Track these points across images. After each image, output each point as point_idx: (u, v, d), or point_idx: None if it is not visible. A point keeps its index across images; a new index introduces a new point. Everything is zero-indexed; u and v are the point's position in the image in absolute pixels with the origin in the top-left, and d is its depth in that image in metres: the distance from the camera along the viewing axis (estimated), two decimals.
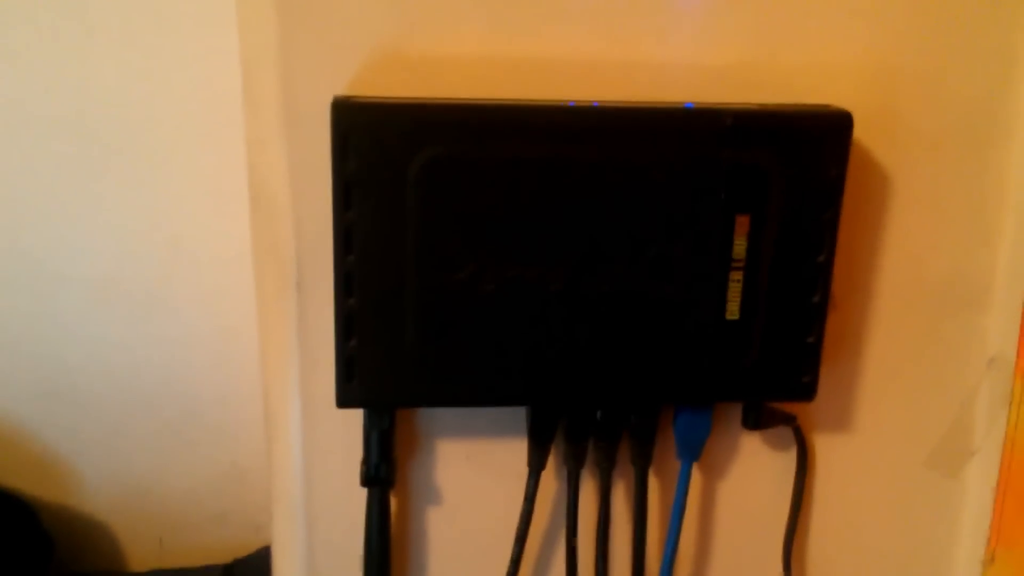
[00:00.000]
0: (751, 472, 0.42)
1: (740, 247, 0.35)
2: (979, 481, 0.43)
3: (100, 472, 0.86)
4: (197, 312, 0.81)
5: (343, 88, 0.35)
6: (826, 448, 0.42)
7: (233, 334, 0.81)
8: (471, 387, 0.37)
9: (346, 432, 0.39)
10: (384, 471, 0.39)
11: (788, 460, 0.42)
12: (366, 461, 0.39)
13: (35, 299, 0.81)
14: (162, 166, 0.78)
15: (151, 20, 0.74)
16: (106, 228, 0.79)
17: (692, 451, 0.40)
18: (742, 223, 0.35)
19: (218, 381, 0.83)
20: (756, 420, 0.40)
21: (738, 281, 0.36)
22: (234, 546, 0.87)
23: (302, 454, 0.40)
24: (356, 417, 0.39)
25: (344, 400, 0.36)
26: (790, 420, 0.41)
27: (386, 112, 0.34)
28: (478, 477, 0.41)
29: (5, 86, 0.76)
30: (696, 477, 0.42)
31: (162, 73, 0.75)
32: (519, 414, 0.40)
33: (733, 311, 0.36)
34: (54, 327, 0.82)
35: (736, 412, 0.41)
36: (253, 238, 0.37)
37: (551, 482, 0.41)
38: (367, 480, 0.39)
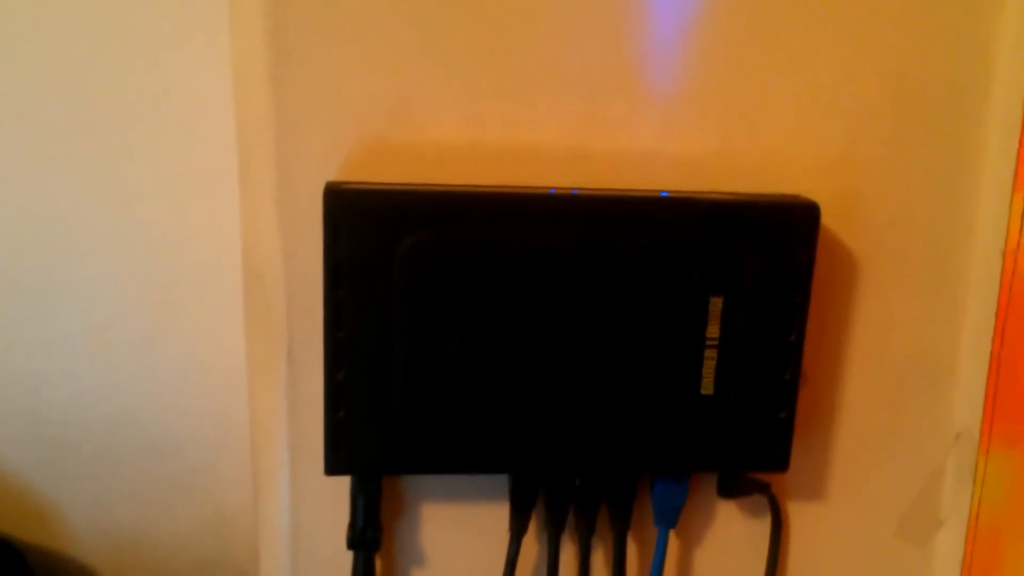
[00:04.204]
0: (727, 539, 0.43)
1: (714, 327, 0.37)
2: (946, 552, 0.44)
3: (87, 518, 0.87)
4: (185, 364, 0.82)
5: (335, 172, 0.37)
6: (799, 516, 0.44)
7: (220, 387, 0.82)
8: (455, 455, 0.38)
9: (334, 496, 0.40)
10: (370, 535, 0.40)
11: (763, 527, 0.43)
12: (352, 525, 0.40)
13: (26, 347, 0.82)
14: (157, 218, 0.79)
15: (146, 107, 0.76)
16: (98, 279, 0.80)
17: (669, 518, 0.41)
18: (715, 304, 0.37)
19: (204, 432, 0.84)
20: (731, 489, 0.41)
21: (712, 359, 0.37)
22: None
23: (290, 517, 0.41)
24: (343, 482, 0.40)
25: (332, 467, 0.37)
26: (764, 488, 0.42)
27: (375, 198, 0.35)
28: (461, 541, 0.42)
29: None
30: (673, 543, 0.43)
31: (165, 138, 0.77)
32: (501, 480, 0.41)
33: (708, 386, 0.38)
34: (45, 375, 0.83)
35: (712, 481, 0.42)
36: (246, 311, 0.39)
37: (532, 546, 0.42)
38: (353, 543, 0.40)
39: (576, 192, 0.36)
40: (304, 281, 0.38)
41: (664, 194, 0.36)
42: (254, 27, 0.36)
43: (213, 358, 0.81)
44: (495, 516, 0.41)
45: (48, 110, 0.76)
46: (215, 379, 0.82)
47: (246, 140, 0.37)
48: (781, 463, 0.39)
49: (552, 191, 0.36)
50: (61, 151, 0.77)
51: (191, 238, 0.79)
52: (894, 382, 0.42)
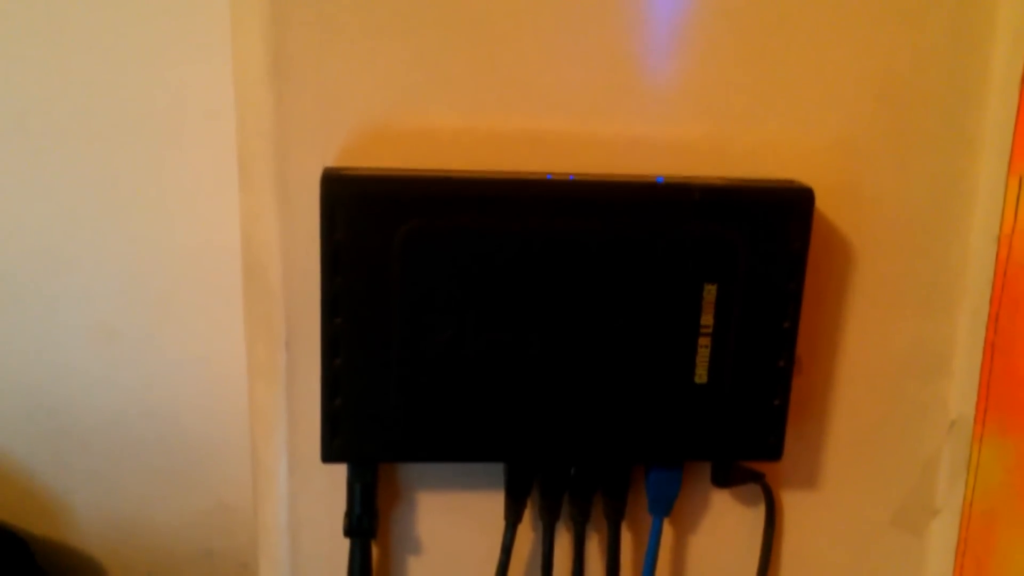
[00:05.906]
0: (721, 527, 0.43)
1: (708, 315, 0.37)
2: (941, 540, 0.44)
3: (91, 508, 0.87)
4: (187, 359, 0.83)
5: (333, 159, 0.37)
6: (794, 505, 0.44)
7: (221, 380, 0.83)
8: (450, 444, 0.38)
9: (331, 484, 0.41)
10: (366, 522, 0.40)
11: (757, 516, 0.43)
12: (349, 513, 0.40)
13: (31, 342, 0.83)
14: (160, 218, 0.80)
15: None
16: (103, 275, 0.81)
17: (663, 507, 0.41)
18: (709, 291, 0.37)
19: (206, 423, 0.85)
20: (725, 478, 0.41)
21: (706, 347, 0.37)
22: None
23: (288, 505, 0.41)
24: (340, 470, 0.40)
25: (329, 455, 0.38)
26: (758, 477, 0.42)
27: (372, 184, 0.35)
28: (457, 529, 0.42)
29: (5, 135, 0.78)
30: (667, 532, 0.43)
31: (172, 135, 0.78)
32: (497, 469, 0.41)
33: (701, 375, 0.38)
34: (50, 369, 0.84)
35: (706, 469, 0.42)
36: (245, 301, 0.39)
37: (527, 534, 0.43)
38: (349, 531, 0.40)
39: (573, 178, 0.36)
40: (302, 269, 0.38)
41: (659, 180, 0.37)
42: (254, 17, 0.36)
43: (214, 353, 0.82)
44: (490, 504, 0.42)
45: (51, 109, 0.77)
46: (216, 373, 0.83)
47: (245, 129, 0.37)
48: (775, 452, 0.39)
49: (549, 177, 0.36)
50: (63, 149, 0.78)
51: (193, 235, 0.79)
52: (888, 370, 0.42)
